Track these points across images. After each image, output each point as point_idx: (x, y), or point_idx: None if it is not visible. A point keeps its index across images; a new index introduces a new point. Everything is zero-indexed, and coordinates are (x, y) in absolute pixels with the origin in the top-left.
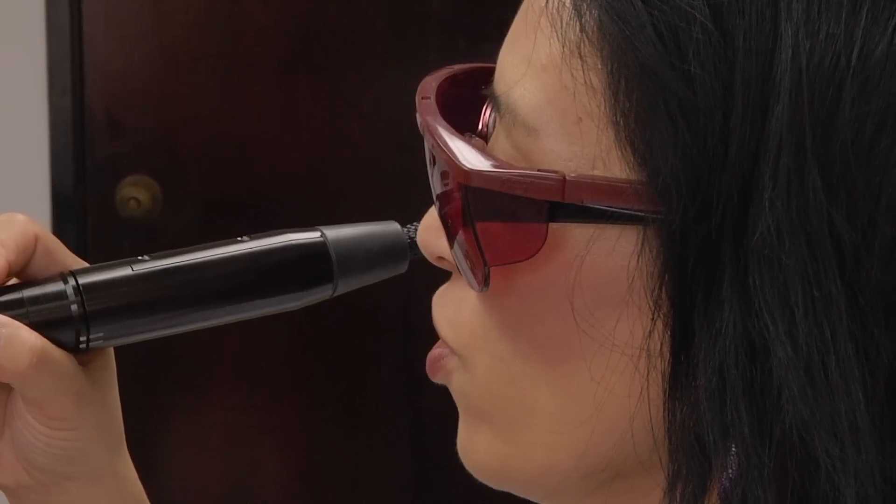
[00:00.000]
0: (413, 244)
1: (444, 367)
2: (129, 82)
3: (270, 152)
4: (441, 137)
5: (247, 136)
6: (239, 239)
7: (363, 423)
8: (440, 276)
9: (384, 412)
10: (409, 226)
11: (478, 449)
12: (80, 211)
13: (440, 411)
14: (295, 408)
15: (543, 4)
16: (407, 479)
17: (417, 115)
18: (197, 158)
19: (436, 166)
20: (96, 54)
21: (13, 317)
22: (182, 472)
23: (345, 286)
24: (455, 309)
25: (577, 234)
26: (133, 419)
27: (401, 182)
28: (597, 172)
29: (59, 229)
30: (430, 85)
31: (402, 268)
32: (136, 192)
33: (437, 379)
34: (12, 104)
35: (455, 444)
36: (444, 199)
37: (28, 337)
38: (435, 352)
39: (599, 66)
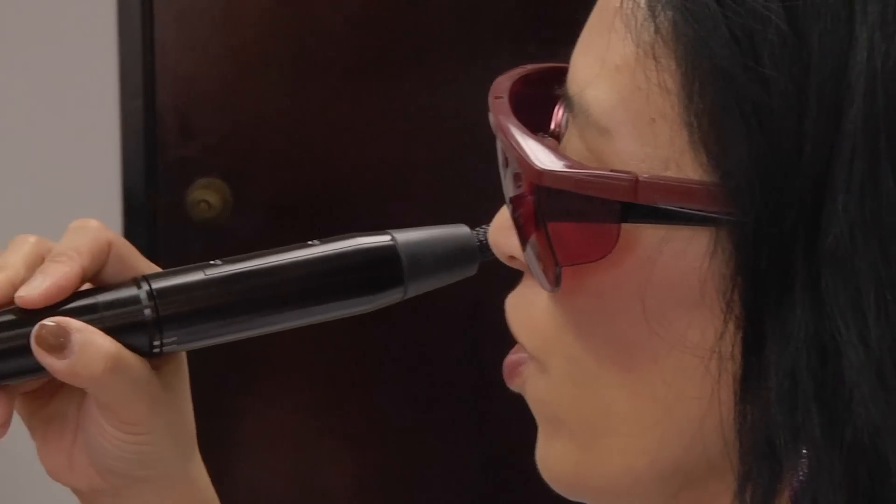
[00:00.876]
0: (482, 247)
1: (521, 373)
2: (200, 85)
3: (340, 155)
4: (514, 137)
5: (316, 138)
6: (309, 243)
7: (430, 425)
8: (509, 276)
9: (451, 414)
10: (478, 228)
11: (554, 458)
12: (151, 214)
13: (507, 414)
14: (363, 410)
15: (618, 5)
16: (473, 482)
17: (490, 115)
18: (267, 161)
19: (508, 166)
20: (167, 58)
21: (88, 322)
22: (251, 474)
23: (415, 289)
24: (529, 311)
25: (649, 235)
26: (202, 421)
27: (470, 185)
28: (670, 173)
29: (130, 232)
30: (503, 84)
31: (472, 270)
32: (206, 195)
33: (514, 385)
34: (84, 108)
35: (520, 446)
36: (515, 198)
37: (102, 342)
38: (512, 358)
39: (673, 68)
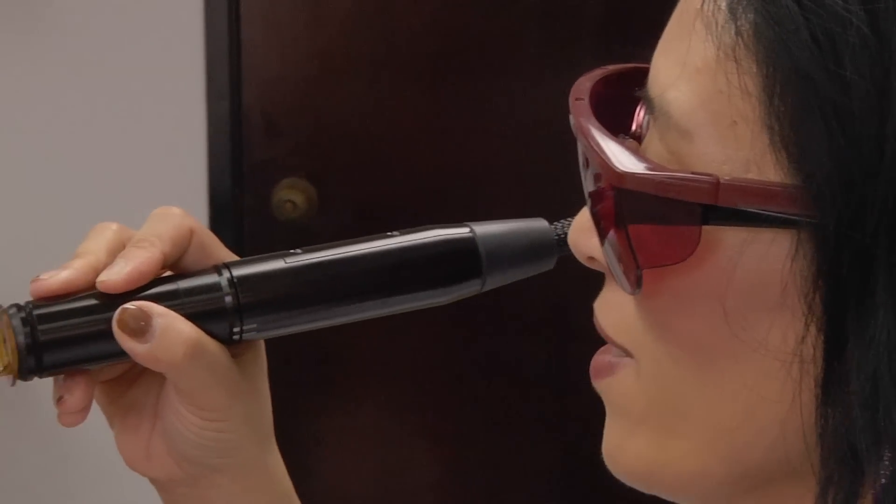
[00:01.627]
0: (561, 241)
1: (611, 372)
2: (286, 86)
3: (423, 155)
4: (594, 139)
5: (400, 138)
6: (389, 234)
7: (513, 425)
8: (594, 276)
9: (534, 414)
10: (556, 223)
11: (628, 454)
12: (237, 213)
13: (590, 415)
14: (446, 409)
15: (698, 7)
16: (555, 482)
17: (571, 117)
18: (351, 161)
19: (589, 168)
20: (254, 59)
21: (169, 307)
22: (334, 472)
23: (493, 282)
24: (616, 313)
25: (730, 238)
26: (286, 420)
27: (552, 186)
28: (751, 176)
29: (215, 232)
30: (583, 86)
31: (550, 264)
32: (291, 195)
33: (600, 385)
34: (171, 108)
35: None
36: (596, 200)
37: (183, 327)
38: (601, 358)
39: (754, 70)
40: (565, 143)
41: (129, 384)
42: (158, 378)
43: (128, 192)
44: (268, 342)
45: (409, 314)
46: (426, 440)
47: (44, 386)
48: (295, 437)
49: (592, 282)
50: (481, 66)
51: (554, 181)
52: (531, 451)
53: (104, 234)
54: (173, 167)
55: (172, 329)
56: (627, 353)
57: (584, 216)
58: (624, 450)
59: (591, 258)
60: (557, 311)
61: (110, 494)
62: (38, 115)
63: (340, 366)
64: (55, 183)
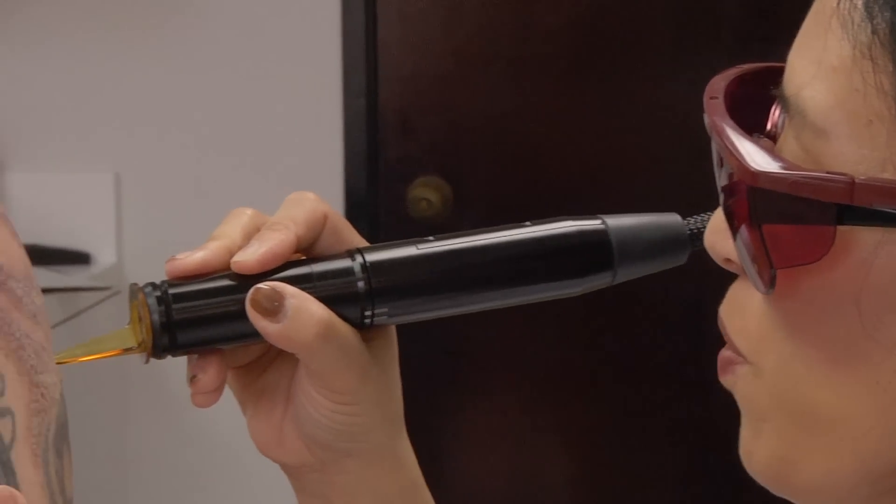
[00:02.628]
0: (693, 236)
1: (733, 370)
2: (422, 84)
3: (558, 153)
4: (728, 138)
5: (535, 137)
6: (521, 224)
7: (647, 421)
8: (730, 274)
9: (669, 412)
10: (690, 218)
11: (760, 453)
12: (373, 211)
13: (726, 412)
14: (579, 408)
15: (834, 6)
16: (690, 480)
17: (705, 116)
18: (487, 160)
19: (723, 167)
20: (390, 57)
21: (302, 290)
22: (466, 471)
23: (624, 274)
24: (742, 312)
25: (865, 238)
26: (420, 417)
27: (687, 184)
28: (886, 175)
29: None
30: (718, 85)
31: (682, 259)
32: (426, 193)
33: (726, 381)
34: (308, 106)
35: (737, 448)
36: (730, 199)
37: (316, 309)
38: (725, 354)
39: (890, 69)
40: (701, 141)
41: (261, 370)
42: (290, 363)
43: (265, 191)
44: (402, 336)
45: (541, 310)
46: (558, 437)
47: (176, 367)
48: (428, 435)
49: (729, 277)
50: (618, 63)
51: (690, 179)
52: (665, 449)
53: (239, 218)
54: (310, 165)
55: (305, 310)
56: (745, 354)
57: (719, 217)
58: (756, 449)
59: (728, 260)
60: (692, 306)
61: (238, 480)
62: (176, 113)
63: (474, 362)
64: (191, 184)
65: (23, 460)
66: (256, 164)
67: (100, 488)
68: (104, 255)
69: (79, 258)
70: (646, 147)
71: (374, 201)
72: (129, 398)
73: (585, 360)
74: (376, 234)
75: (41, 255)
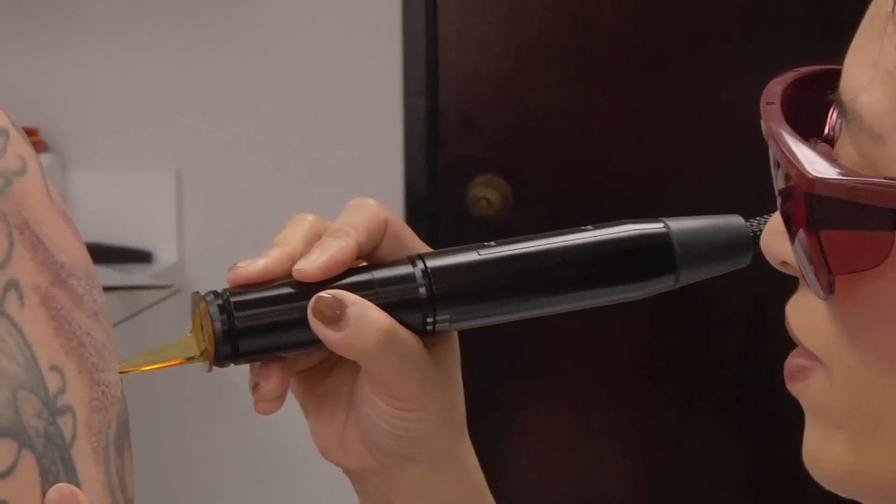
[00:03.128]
0: (757, 238)
1: (805, 376)
2: (482, 83)
3: (619, 153)
4: (786, 144)
5: (597, 136)
6: (582, 228)
7: (707, 422)
8: (792, 277)
9: (729, 412)
10: (752, 220)
11: (827, 458)
12: (432, 210)
13: (784, 414)
14: (638, 408)
15: (889, 10)
16: (748, 481)
17: (762, 121)
18: (547, 159)
19: (780, 172)
20: (450, 56)
21: (363, 297)
22: (524, 469)
23: (687, 277)
24: (809, 316)
25: None
26: (481, 415)
27: (747, 184)
28: None
29: (411, 227)
30: (774, 90)
31: (745, 261)
32: (486, 192)
33: (795, 389)
34: (369, 105)
35: (796, 448)
36: (788, 204)
37: (377, 316)
38: (795, 361)
39: None
40: (761, 143)
41: (323, 374)
42: (353, 368)
43: (325, 189)
44: (463, 337)
45: (601, 308)
46: (616, 437)
47: (240, 374)
48: (488, 433)
49: (791, 279)
50: (680, 62)
51: (751, 180)
52: (725, 450)
53: (301, 225)
54: (370, 164)
55: (366, 317)
56: (817, 358)
57: (776, 220)
58: (823, 454)
59: (785, 263)
60: (754, 308)
61: (299, 480)
62: (237, 111)
63: (532, 360)
64: (252, 183)
65: (83, 458)
66: (317, 164)
67: (161, 487)
68: (165, 254)
69: (140, 256)
70: (708, 146)
71: (433, 200)
72: (189, 396)
73: (644, 358)
74: (435, 233)
75: (103, 254)
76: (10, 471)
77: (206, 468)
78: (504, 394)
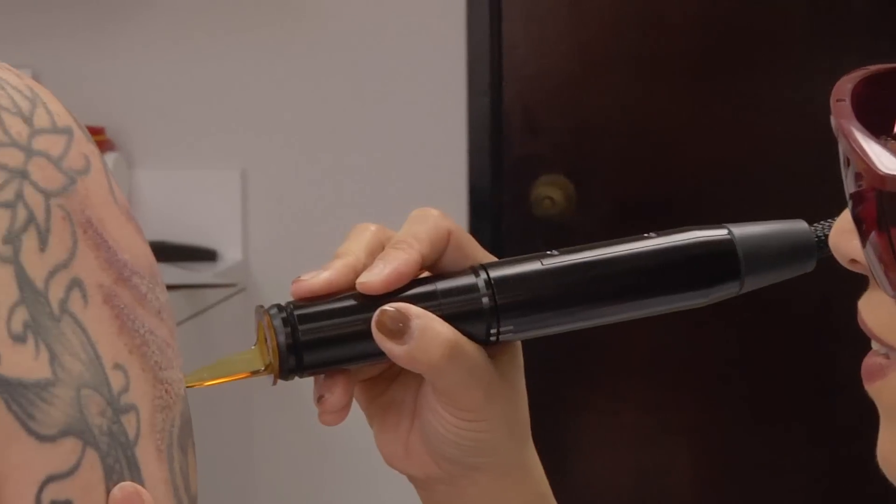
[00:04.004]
0: (821, 243)
1: (881, 374)
2: (546, 83)
3: (684, 153)
4: (856, 141)
5: (661, 136)
6: (645, 235)
7: (776, 424)
8: (859, 274)
9: (798, 414)
10: (816, 224)
11: None
12: (496, 209)
13: (859, 415)
14: (706, 408)
15: None
16: (821, 483)
17: (832, 118)
18: (611, 159)
19: (850, 169)
20: (514, 55)
21: (426, 309)
22: (591, 470)
23: (751, 284)
24: (882, 311)
25: None
26: (545, 416)
27: (815, 184)
28: None
29: (475, 227)
30: (844, 87)
31: (810, 266)
32: (550, 192)
33: (872, 389)
34: (433, 105)
35: (865, 447)
36: (858, 202)
37: (441, 329)
38: (873, 361)
39: None
40: (829, 143)
41: (388, 383)
42: (416, 377)
43: (390, 189)
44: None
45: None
46: (686, 440)
47: (306, 385)
48: (553, 433)
49: (858, 280)
50: (746, 62)
51: (817, 181)
52: (794, 452)
53: (364, 235)
54: (434, 163)
55: (430, 330)
56: (890, 355)
57: (845, 218)
58: None
59: (853, 261)
60: (822, 309)
61: (363, 484)
62: (302, 111)
63: (601, 364)
64: (317, 181)
65: (147, 456)
66: (380, 163)
67: (225, 487)
68: (230, 252)
69: (205, 255)
70: (773, 146)
71: (497, 199)
72: (254, 397)
73: (713, 361)
74: (499, 233)
75: (168, 252)
76: (74, 469)
77: (272, 475)
78: (572, 394)
